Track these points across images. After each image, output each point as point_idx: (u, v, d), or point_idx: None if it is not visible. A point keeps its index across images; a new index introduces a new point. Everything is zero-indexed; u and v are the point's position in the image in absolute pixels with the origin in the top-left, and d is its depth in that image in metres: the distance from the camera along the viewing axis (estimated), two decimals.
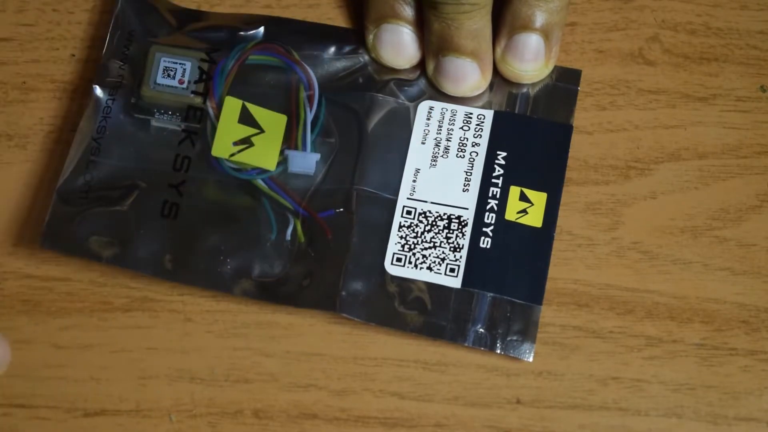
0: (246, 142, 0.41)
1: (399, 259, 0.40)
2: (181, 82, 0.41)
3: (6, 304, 0.40)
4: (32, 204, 0.41)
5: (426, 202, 0.41)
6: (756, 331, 0.40)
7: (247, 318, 0.40)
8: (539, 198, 0.41)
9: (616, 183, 0.42)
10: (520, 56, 0.41)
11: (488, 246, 0.40)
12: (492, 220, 0.40)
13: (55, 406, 0.40)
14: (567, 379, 0.40)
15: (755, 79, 0.43)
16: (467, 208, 0.41)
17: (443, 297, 0.40)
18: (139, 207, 0.40)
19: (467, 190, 0.41)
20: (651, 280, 0.41)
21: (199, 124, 0.41)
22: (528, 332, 0.39)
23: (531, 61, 0.41)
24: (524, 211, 0.40)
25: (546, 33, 0.41)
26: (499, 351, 0.39)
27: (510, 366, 0.40)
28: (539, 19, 0.41)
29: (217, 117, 0.41)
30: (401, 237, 0.40)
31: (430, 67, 0.42)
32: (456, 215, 0.40)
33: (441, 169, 0.41)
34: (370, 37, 0.42)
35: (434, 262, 0.40)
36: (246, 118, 0.41)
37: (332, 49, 0.43)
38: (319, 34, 0.43)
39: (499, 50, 0.41)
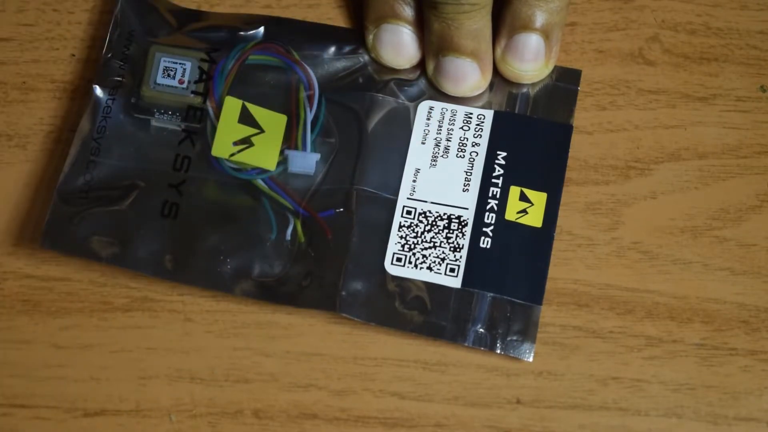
0: (246, 142, 0.40)
1: (399, 259, 0.40)
2: (181, 82, 0.41)
3: (6, 304, 0.40)
4: (32, 204, 0.41)
5: (426, 202, 0.41)
6: (756, 331, 0.40)
7: (247, 318, 0.40)
8: (539, 198, 0.40)
9: (616, 183, 0.42)
10: (520, 56, 0.41)
11: (488, 246, 0.40)
12: (492, 220, 0.40)
13: (55, 406, 0.40)
14: (567, 379, 0.40)
15: (755, 79, 0.43)
16: (467, 208, 0.41)
17: (443, 297, 0.40)
18: (139, 207, 0.40)
19: (467, 190, 0.41)
20: (651, 280, 0.40)
21: (199, 124, 0.41)
22: (528, 332, 0.39)
23: (531, 61, 0.41)
24: (524, 211, 0.40)
25: (546, 33, 0.41)
26: (499, 351, 0.39)
27: (510, 366, 0.40)
28: (539, 19, 0.41)
29: (217, 117, 0.41)
30: (401, 237, 0.40)
31: (430, 67, 0.42)
32: (456, 215, 0.40)
33: (441, 169, 0.41)
34: (370, 37, 0.42)
35: (434, 262, 0.40)
36: (246, 118, 0.41)
37: (332, 49, 0.43)
38: (319, 34, 0.43)
39: (499, 50, 0.41)
